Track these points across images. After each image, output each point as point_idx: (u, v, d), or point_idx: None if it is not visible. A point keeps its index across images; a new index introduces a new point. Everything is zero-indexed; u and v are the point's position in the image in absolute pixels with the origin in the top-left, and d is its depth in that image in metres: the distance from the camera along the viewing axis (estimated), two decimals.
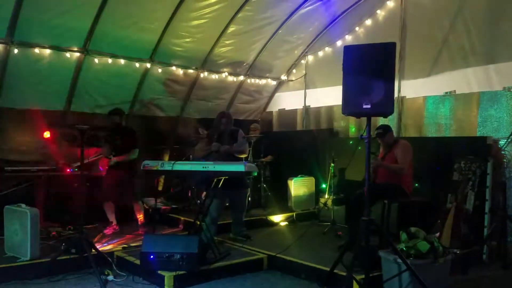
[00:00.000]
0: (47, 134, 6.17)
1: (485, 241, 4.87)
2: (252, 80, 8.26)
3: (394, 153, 5.08)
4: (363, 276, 3.73)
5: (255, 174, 4.68)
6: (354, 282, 3.83)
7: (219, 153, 5.25)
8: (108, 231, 5.74)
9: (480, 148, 5.19)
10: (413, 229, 3.99)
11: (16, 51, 5.67)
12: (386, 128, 5.23)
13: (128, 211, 6.05)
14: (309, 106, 8.22)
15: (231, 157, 5.23)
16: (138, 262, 4.36)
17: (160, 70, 7.07)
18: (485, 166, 5.02)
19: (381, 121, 6.34)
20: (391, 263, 3.77)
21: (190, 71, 7.43)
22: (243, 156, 5.39)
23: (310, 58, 8.15)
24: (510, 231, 4.93)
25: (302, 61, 8.28)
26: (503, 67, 5.48)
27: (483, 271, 4.63)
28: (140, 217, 5.95)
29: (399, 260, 3.65)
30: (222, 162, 4.78)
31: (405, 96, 6.57)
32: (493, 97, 5.51)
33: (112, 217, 5.86)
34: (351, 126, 7.32)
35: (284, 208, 6.97)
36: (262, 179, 7.04)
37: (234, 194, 5.39)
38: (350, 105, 3.72)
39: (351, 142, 6.83)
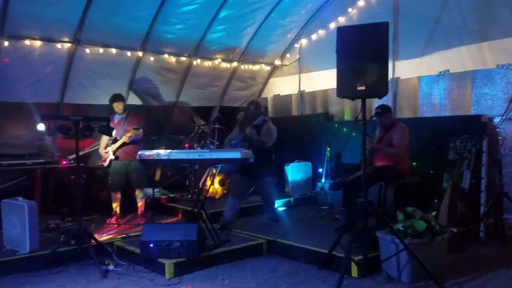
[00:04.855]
0: (41, 127, 6.12)
1: (481, 219, 4.91)
2: (246, 66, 8.21)
3: (390, 136, 5.03)
4: (361, 257, 3.77)
5: (252, 161, 4.67)
6: (353, 263, 3.86)
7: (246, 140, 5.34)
8: (110, 220, 5.75)
9: (475, 127, 5.19)
10: (410, 209, 4.02)
11: (6, 43, 5.62)
12: (384, 108, 5.15)
13: (127, 201, 6.06)
14: (304, 90, 8.19)
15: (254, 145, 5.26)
16: (138, 251, 4.38)
17: (152, 59, 7.02)
18: (480, 145, 5.04)
19: (376, 102, 6.34)
20: (389, 243, 3.81)
21: (183, 58, 7.38)
22: (266, 145, 5.38)
23: (304, 41, 8.09)
24: (506, 209, 4.96)
25: (296, 45, 8.22)
26: (497, 44, 5.46)
27: (480, 248, 4.68)
28: (140, 205, 5.98)
29: (397, 240, 3.68)
30: (219, 150, 4.79)
31: (400, 77, 6.55)
32: (487, 75, 5.49)
33: (116, 207, 5.88)
34: (347, 110, 7.31)
35: (281, 194, 6.99)
36: None
37: (257, 182, 5.58)
38: (344, 88, 3.71)
39: (344, 129, 6.86)
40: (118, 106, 5.85)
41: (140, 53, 6.82)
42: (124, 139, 5.68)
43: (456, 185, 4.97)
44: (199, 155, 4.61)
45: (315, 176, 7.22)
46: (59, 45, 6.07)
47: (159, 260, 4.16)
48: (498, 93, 5.39)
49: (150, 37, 6.71)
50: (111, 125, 5.76)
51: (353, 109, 7.09)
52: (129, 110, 6.03)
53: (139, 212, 6.01)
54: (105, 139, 5.82)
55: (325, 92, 7.69)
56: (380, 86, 3.59)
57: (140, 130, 5.70)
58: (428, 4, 6.15)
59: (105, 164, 5.80)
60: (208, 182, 6.56)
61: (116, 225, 5.63)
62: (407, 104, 6.49)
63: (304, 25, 7.94)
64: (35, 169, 5.93)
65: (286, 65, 8.49)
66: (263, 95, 8.90)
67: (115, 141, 5.73)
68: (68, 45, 6.13)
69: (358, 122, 3.88)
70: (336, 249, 4.06)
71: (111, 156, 5.73)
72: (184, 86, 7.71)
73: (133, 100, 7.25)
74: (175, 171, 7.57)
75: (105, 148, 5.82)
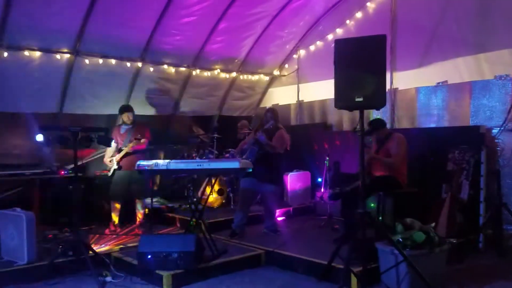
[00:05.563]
0: (40, 137, 6.12)
1: (480, 229, 4.90)
2: (245, 76, 8.24)
3: (387, 147, 5.04)
4: (360, 269, 3.76)
5: (250, 170, 4.67)
6: (352, 275, 3.84)
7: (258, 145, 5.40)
8: (109, 231, 5.74)
9: (473, 138, 5.20)
10: (408, 220, 4.01)
11: (6, 54, 5.65)
12: (375, 124, 5.14)
13: (126, 211, 6.04)
14: (303, 100, 8.22)
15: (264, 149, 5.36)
16: (135, 262, 4.36)
17: (152, 69, 7.05)
18: (479, 155, 5.05)
19: (375, 112, 6.35)
20: (388, 255, 3.79)
21: (182, 69, 7.41)
22: (275, 150, 5.44)
23: (302, 52, 8.13)
24: (505, 219, 4.96)
25: (294, 56, 8.27)
26: (494, 56, 5.49)
27: (479, 259, 4.68)
28: (140, 216, 5.96)
29: (396, 252, 3.67)
30: (218, 160, 4.79)
31: (398, 88, 6.58)
32: (485, 86, 5.52)
33: (115, 217, 5.87)
34: (345, 120, 7.33)
35: (281, 203, 6.97)
36: None
37: (262, 188, 5.56)
38: (342, 99, 3.72)
39: (342, 139, 6.86)
40: (128, 117, 5.90)
41: (139, 64, 6.85)
42: (126, 149, 5.70)
43: (455, 195, 4.97)
44: (198, 165, 4.62)
45: (314, 186, 7.21)
46: (58, 56, 6.10)
47: (157, 271, 4.14)
48: (497, 104, 5.41)
49: (149, 48, 6.74)
50: (117, 135, 5.85)
51: (351, 119, 7.11)
52: (136, 121, 6.05)
53: (138, 223, 5.99)
54: (111, 148, 5.84)
55: (323, 102, 7.73)
56: (377, 97, 3.60)
57: (143, 141, 5.72)
58: (426, 16, 6.21)
59: (109, 173, 5.80)
60: (207, 192, 6.54)
61: (114, 236, 5.60)
62: (405, 115, 6.51)
63: (302, 37, 7.99)
64: (34, 179, 5.92)
65: (284, 75, 8.53)
66: (262, 105, 8.91)
67: (119, 151, 5.77)
68: (67, 55, 6.15)
69: (356, 133, 3.89)
70: (335, 260, 4.04)
71: (115, 166, 5.74)
72: (183, 96, 7.74)
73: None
74: (174, 180, 7.55)
75: (110, 157, 5.85)
